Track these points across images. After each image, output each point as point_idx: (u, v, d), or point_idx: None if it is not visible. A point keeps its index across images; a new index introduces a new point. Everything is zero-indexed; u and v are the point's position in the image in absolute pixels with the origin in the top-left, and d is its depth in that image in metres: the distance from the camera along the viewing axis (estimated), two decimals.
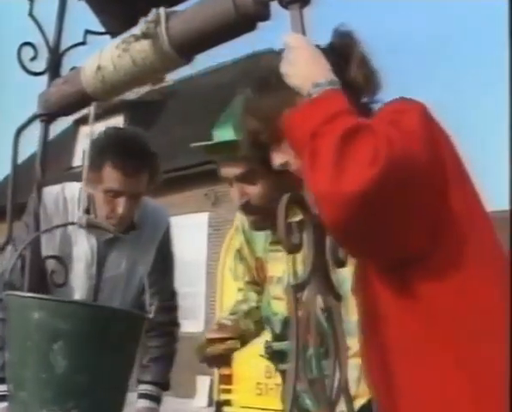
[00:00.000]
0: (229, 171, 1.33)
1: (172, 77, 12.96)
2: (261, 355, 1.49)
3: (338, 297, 0.87)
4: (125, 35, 1.09)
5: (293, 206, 0.80)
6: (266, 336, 1.51)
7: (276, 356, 1.41)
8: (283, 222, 0.78)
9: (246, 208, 1.32)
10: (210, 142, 1.38)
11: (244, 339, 1.53)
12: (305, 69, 0.84)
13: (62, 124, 13.89)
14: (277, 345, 1.40)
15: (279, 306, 1.40)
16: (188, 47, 1.04)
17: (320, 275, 0.84)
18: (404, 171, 0.74)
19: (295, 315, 0.78)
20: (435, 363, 0.83)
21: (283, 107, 0.98)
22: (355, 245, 0.80)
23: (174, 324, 1.85)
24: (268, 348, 1.43)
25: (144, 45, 1.07)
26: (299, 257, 1.30)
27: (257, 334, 1.57)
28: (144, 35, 1.07)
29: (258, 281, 1.56)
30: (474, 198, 0.90)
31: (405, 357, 0.87)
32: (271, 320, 1.44)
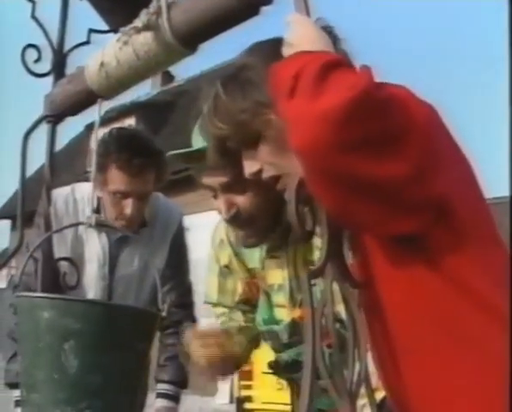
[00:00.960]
0: (213, 180, 1.18)
1: (182, 77, 12.99)
2: (266, 373, 1.43)
3: (355, 284, 0.84)
4: (126, 28, 1.07)
5: (303, 191, 0.76)
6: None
7: (287, 368, 1.33)
8: (296, 210, 0.74)
9: (236, 220, 1.19)
10: (187, 150, 1.22)
11: (237, 360, 1.42)
12: (306, 49, 0.79)
13: (74, 130, 13.99)
14: (287, 355, 1.32)
15: (282, 314, 1.33)
16: (191, 37, 1.02)
17: (336, 262, 0.81)
18: (385, 105, 0.69)
19: (311, 304, 0.75)
20: (442, 357, 0.80)
21: (255, 110, 0.93)
22: (330, 181, 0.71)
23: (191, 320, 1.83)
24: (277, 363, 1.35)
25: (147, 37, 1.05)
26: (299, 260, 1.26)
27: (249, 355, 1.48)
28: (146, 27, 1.05)
29: (250, 297, 1.45)
30: (472, 181, 0.86)
31: (411, 353, 0.83)
32: (274, 331, 1.34)
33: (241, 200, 1.17)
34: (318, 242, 1.19)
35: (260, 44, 1.02)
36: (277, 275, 1.32)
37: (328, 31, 0.92)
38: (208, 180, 1.21)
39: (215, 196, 1.21)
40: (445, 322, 0.79)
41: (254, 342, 1.47)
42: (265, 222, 1.20)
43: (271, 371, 1.41)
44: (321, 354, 0.78)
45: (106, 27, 1.37)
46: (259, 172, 0.97)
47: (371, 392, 0.85)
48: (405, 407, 0.87)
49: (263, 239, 1.24)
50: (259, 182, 1.02)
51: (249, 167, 0.98)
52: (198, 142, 1.21)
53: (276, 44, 0.97)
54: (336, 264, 0.82)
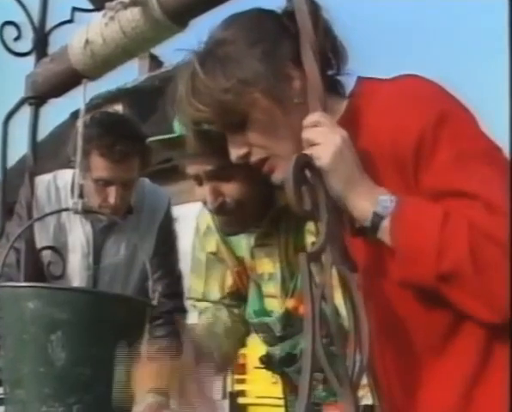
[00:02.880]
0: (198, 168, 1.13)
1: (170, 62, 12.84)
2: (259, 367, 1.39)
3: (354, 268, 0.81)
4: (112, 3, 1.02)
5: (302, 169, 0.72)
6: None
7: (282, 362, 1.29)
8: (294, 187, 0.70)
9: (223, 209, 1.14)
10: (170, 136, 1.16)
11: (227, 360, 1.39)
12: (345, 180, 0.77)
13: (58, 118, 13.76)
14: (281, 347, 1.28)
15: (274, 304, 1.28)
16: (181, 12, 0.97)
17: (336, 244, 0.77)
18: None
19: (310, 287, 0.71)
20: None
21: (239, 88, 0.86)
22: None
23: (181, 310, 1.78)
24: (270, 357, 1.31)
25: (134, 13, 1.01)
26: (291, 247, 1.22)
27: (235, 355, 1.46)
28: (133, 2, 1.00)
29: (240, 288, 1.38)
30: None
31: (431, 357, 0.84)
32: (266, 323, 1.29)
33: (229, 188, 1.12)
34: (311, 227, 1.16)
35: (238, 16, 0.95)
36: (268, 264, 1.27)
37: (310, 6, 0.87)
38: (192, 169, 1.15)
39: (199, 184, 1.15)
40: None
41: (241, 342, 1.42)
42: (253, 210, 1.15)
43: (262, 366, 1.37)
44: (322, 344, 0.74)
45: (90, 6, 1.32)
46: (247, 155, 0.91)
47: (374, 380, 0.82)
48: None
49: (250, 226, 1.20)
50: (246, 167, 0.97)
51: (236, 151, 0.92)
52: (180, 127, 1.14)
53: (255, 16, 0.93)
54: (335, 247, 0.78)
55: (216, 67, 0.88)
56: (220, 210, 1.15)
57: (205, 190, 1.13)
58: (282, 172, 0.86)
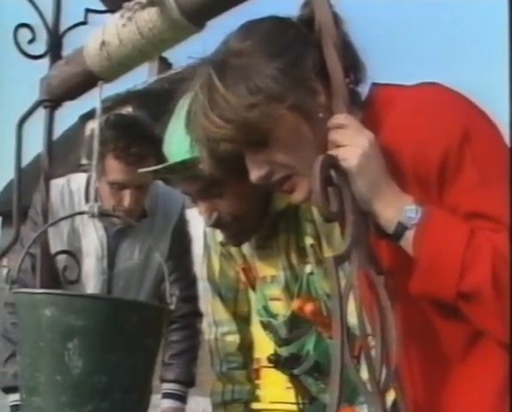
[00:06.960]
0: (189, 187, 1.13)
1: (179, 64, 12.88)
2: (268, 366, 1.36)
3: (381, 270, 0.79)
4: (130, 4, 1.01)
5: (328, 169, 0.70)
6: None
7: (288, 362, 1.28)
8: (320, 188, 0.67)
9: (220, 224, 1.14)
10: (160, 166, 1.16)
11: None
12: (373, 185, 0.76)
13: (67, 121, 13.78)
14: (287, 350, 1.27)
15: (278, 307, 1.26)
16: (199, 12, 0.95)
17: (362, 246, 0.75)
18: None
19: (338, 289, 0.69)
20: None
21: (265, 105, 0.79)
22: None
23: (196, 314, 1.76)
24: (276, 357, 1.30)
25: (151, 14, 0.99)
26: (292, 249, 1.20)
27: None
28: (150, 2, 0.98)
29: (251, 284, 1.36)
30: None
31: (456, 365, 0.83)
32: (272, 325, 1.28)
33: (222, 204, 1.11)
34: (309, 228, 1.15)
35: (255, 26, 0.88)
36: (270, 267, 1.26)
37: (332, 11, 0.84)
38: (184, 188, 1.16)
39: (194, 201, 1.15)
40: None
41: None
42: (250, 220, 1.15)
43: (271, 365, 1.35)
44: (349, 347, 0.72)
45: (103, 7, 1.30)
46: (269, 175, 0.85)
47: (400, 386, 0.79)
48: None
49: (252, 234, 1.19)
50: (237, 182, 0.95)
51: (256, 172, 0.85)
52: (176, 154, 1.11)
53: (273, 25, 0.88)
54: (361, 249, 0.76)
55: (237, 80, 0.81)
56: (217, 225, 1.15)
57: (200, 208, 1.13)
58: (303, 192, 0.84)
